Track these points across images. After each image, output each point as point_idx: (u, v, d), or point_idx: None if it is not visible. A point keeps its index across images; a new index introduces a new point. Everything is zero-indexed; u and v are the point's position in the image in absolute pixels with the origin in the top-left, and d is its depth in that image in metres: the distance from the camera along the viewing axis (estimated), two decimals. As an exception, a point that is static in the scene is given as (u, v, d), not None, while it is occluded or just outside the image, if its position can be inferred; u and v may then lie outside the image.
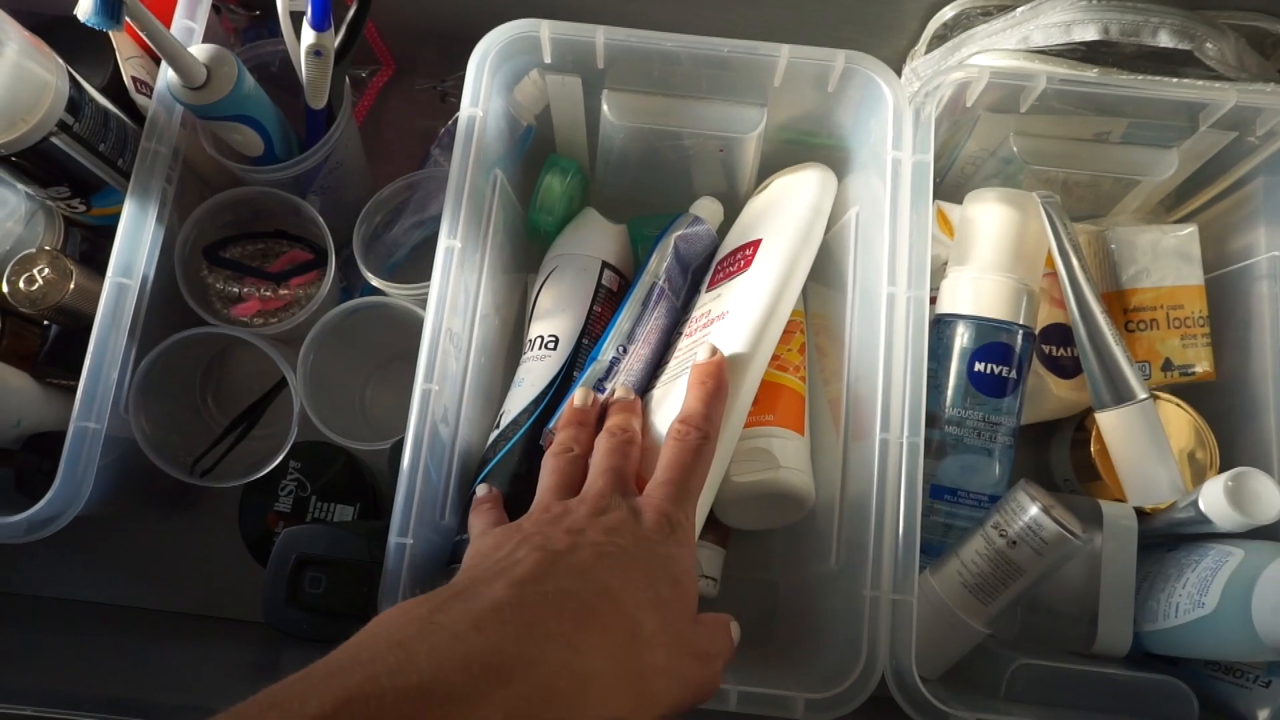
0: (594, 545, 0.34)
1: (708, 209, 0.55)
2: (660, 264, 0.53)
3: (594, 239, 0.56)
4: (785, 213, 0.52)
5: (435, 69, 0.67)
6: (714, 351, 0.44)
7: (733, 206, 0.57)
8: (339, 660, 0.26)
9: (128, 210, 0.47)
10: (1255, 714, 0.44)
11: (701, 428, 0.41)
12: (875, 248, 0.47)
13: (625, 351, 0.50)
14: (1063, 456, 0.57)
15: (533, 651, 0.28)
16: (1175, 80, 0.49)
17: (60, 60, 0.44)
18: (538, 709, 0.27)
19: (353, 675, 0.25)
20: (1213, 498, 0.45)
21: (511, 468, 0.47)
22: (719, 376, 0.43)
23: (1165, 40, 0.48)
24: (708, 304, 0.51)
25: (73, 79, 0.45)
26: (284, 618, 0.44)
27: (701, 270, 0.55)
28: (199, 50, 0.46)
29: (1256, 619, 0.40)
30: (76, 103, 0.45)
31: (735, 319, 0.48)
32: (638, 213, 0.60)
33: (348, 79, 0.54)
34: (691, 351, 0.49)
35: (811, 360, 0.54)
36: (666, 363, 0.50)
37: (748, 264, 0.50)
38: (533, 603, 0.30)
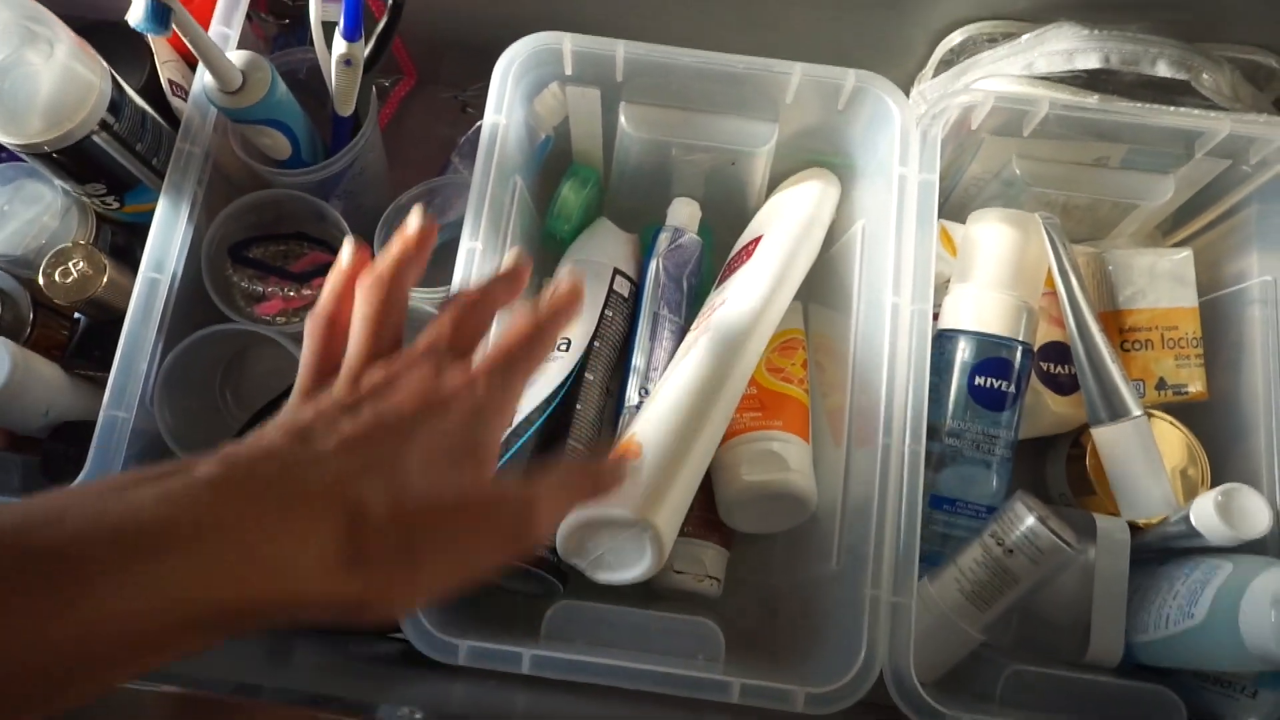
0: (367, 412, 0.30)
1: (685, 214, 0.57)
2: (656, 291, 0.55)
3: (607, 246, 0.58)
4: (787, 211, 0.54)
5: (456, 79, 0.69)
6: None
7: (744, 219, 0.58)
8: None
9: (161, 208, 0.49)
10: (1242, 723, 0.45)
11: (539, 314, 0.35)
12: (880, 260, 0.49)
13: (647, 393, 0.51)
14: (1059, 471, 0.58)
15: (216, 521, 0.26)
16: (1172, 109, 0.50)
17: (104, 62, 0.46)
18: (215, 584, 0.26)
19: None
20: (1204, 512, 0.46)
21: (524, 464, 0.49)
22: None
23: (1163, 70, 0.50)
24: (713, 299, 0.53)
25: (114, 80, 0.47)
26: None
27: (695, 273, 0.57)
28: (235, 56, 0.48)
29: (1244, 630, 0.41)
30: (117, 103, 0.47)
31: (734, 302, 0.50)
32: (650, 222, 0.61)
33: (374, 87, 0.56)
34: (694, 342, 0.50)
35: (812, 375, 0.56)
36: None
37: (749, 257, 0.53)
38: (236, 479, 0.27)
